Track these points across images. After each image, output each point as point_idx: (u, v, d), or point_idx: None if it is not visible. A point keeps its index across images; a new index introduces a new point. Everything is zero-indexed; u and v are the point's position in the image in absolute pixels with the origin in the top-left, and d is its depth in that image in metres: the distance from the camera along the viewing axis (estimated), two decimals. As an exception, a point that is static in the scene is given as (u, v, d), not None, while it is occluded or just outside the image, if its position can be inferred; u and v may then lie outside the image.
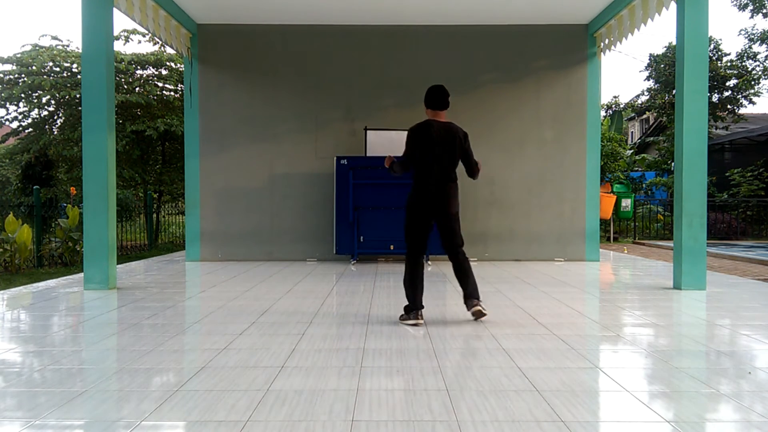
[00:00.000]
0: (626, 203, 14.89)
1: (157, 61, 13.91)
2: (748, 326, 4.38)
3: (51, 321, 4.61)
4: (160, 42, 11.91)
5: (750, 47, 19.79)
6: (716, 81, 19.14)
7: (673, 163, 16.18)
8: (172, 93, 14.23)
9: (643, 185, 18.91)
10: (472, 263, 4.62)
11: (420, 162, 4.48)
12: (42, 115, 14.15)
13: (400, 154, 4.64)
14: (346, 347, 3.71)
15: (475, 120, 8.86)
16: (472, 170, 4.66)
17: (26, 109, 13.83)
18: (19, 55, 13.30)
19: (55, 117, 14.25)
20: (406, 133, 4.57)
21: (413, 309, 4.42)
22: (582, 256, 8.89)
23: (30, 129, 14.32)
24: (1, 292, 6.13)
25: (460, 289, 4.42)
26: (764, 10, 19.85)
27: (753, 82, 19.41)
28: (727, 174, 18.23)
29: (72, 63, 13.34)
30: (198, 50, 8.86)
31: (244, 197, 8.89)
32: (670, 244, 9.79)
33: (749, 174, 17.72)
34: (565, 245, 8.92)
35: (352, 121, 8.92)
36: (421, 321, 4.38)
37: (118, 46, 19.56)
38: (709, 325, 4.47)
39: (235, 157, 8.89)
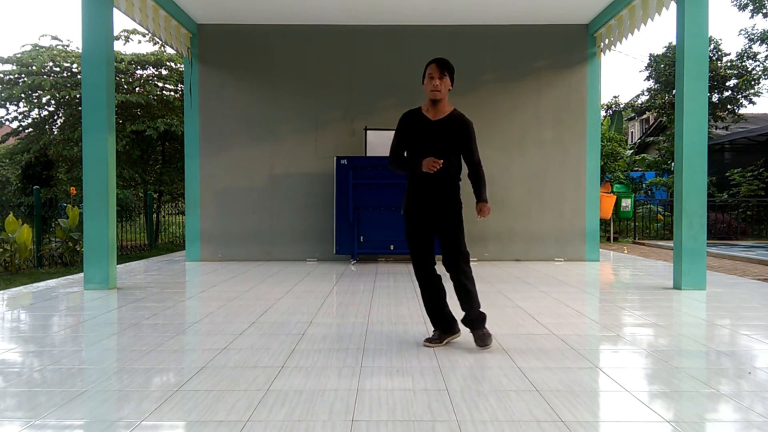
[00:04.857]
0: (626, 203, 14.89)
1: (157, 61, 13.91)
2: (748, 326, 4.38)
3: (51, 321, 4.61)
4: (160, 42, 11.91)
5: (750, 47, 19.79)
6: (716, 81, 19.14)
7: (673, 163, 16.19)
8: (172, 93, 14.23)
9: (643, 185, 18.92)
10: (472, 263, 4.31)
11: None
12: (42, 115, 14.15)
13: None
14: (346, 347, 3.71)
15: (475, 120, 8.80)
16: None
17: (26, 109, 13.83)
18: (19, 55, 13.29)
19: (55, 117, 14.25)
20: None
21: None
22: (582, 256, 8.89)
23: (30, 129, 14.32)
24: (1, 292, 6.13)
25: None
26: (764, 10, 19.85)
27: (753, 82, 19.41)
28: (727, 174, 18.23)
29: (72, 63, 13.34)
30: (198, 50, 8.85)
31: (244, 197, 8.89)
32: (670, 244, 9.79)
33: (749, 174, 17.73)
34: (565, 245, 8.91)
35: (352, 121, 8.91)
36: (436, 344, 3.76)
37: (118, 46, 19.61)
38: (709, 325, 4.47)
39: (235, 157, 8.89)
